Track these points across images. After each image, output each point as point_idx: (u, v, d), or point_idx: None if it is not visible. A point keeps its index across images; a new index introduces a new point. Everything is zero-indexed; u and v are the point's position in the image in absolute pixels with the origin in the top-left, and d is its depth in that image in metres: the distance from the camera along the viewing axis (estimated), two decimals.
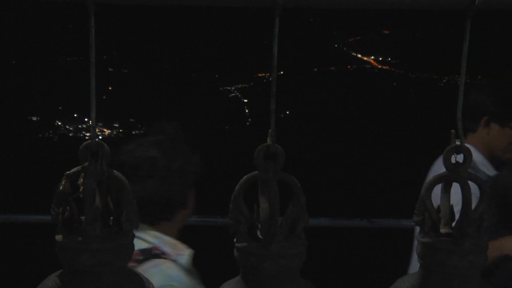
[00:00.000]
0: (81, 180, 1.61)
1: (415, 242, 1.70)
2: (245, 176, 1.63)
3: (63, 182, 1.63)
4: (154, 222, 3.66)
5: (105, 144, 1.59)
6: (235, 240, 1.67)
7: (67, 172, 1.62)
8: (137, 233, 2.43)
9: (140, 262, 3.44)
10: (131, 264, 1.90)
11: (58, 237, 1.63)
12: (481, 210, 1.67)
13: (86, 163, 1.59)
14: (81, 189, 1.61)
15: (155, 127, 3.81)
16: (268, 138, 1.61)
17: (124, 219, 1.64)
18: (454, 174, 1.64)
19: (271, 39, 1.61)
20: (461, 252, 1.64)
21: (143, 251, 3.51)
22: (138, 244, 3.02)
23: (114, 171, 1.62)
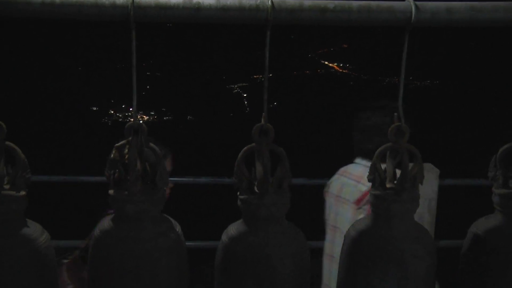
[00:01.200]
0: (126, 150, 1.60)
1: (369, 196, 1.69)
2: (245, 147, 1.62)
3: (114, 152, 1.62)
4: None
5: (143, 124, 1.59)
6: (238, 193, 1.66)
7: (116, 144, 1.61)
8: None
9: None
10: None
11: (111, 192, 1.62)
12: (415, 171, 1.66)
13: (130, 138, 1.59)
14: (126, 157, 1.60)
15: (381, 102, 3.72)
16: (262, 120, 1.60)
17: (158, 179, 1.63)
18: (396, 144, 1.63)
19: (263, 50, 1.61)
20: (400, 201, 1.64)
21: None
22: None
23: (150, 143, 1.61)
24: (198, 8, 1.57)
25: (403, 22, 1.61)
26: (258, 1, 1.57)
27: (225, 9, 1.58)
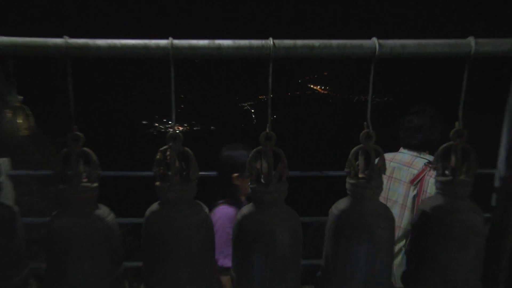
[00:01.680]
0: (168, 153, 1.59)
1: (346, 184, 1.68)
2: (254, 149, 1.61)
3: (159, 154, 1.61)
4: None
5: (180, 134, 1.58)
6: (249, 183, 1.65)
7: (161, 148, 1.60)
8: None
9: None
10: None
11: (157, 183, 1.62)
12: (380, 165, 1.64)
13: (171, 144, 1.58)
14: (168, 157, 1.60)
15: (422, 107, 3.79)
16: (267, 128, 1.59)
17: (191, 173, 1.62)
18: (366, 145, 1.62)
19: (267, 77, 1.60)
20: (369, 187, 1.63)
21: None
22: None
23: (185, 148, 1.61)
24: (219, 48, 1.57)
25: (369, 56, 1.60)
26: (263, 42, 1.57)
27: (239, 48, 1.58)
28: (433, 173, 3.21)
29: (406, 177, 3.65)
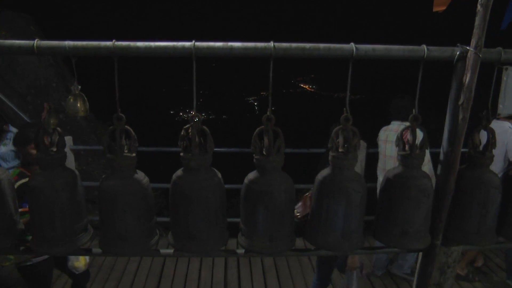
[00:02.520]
0: (190, 130, 1.58)
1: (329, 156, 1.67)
2: (258, 128, 1.60)
3: (183, 131, 1.60)
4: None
5: (199, 115, 1.56)
6: (254, 155, 1.64)
7: (185, 126, 1.59)
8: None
9: None
10: None
11: (182, 154, 1.61)
12: (355, 142, 1.64)
13: (192, 123, 1.57)
14: (190, 134, 1.58)
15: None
16: (268, 112, 1.57)
17: (208, 147, 1.62)
18: (345, 126, 1.61)
19: (268, 75, 1.59)
20: (347, 159, 1.62)
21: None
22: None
23: (203, 127, 1.59)
24: (231, 48, 1.55)
25: (348, 56, 1.58)
26: (266, 44, 1.56)
27: (246, 49, 1.56)
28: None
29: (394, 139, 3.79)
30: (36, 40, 1.52)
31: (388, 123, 4.15)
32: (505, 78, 1.70)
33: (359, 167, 3.82)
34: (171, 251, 1.83)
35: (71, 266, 3.57)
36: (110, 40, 1.55)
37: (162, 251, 1.89)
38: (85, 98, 1.63)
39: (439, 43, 1.67)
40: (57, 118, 1.63)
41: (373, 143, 4.26)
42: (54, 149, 1.63)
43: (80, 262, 3.52)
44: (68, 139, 3.67)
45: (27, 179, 2.21)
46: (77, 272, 3.66)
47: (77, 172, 1.71)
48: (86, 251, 1.86)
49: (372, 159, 4.30)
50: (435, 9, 1.86)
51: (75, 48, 1.54)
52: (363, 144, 3.78)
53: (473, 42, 1.58)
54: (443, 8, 1.83)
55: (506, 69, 1.68)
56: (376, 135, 4.26)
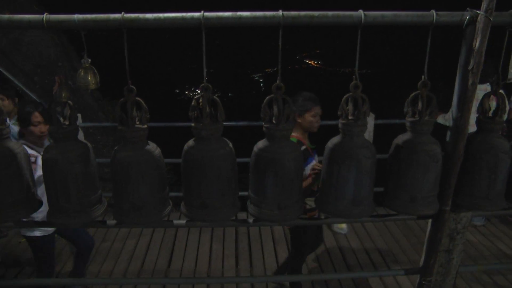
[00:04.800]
0: (201, 100, 1.59)
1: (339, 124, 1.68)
2: (267, 97, 1.61)
3: (194, 101, 1.61)
4: None
5: (209, 85, 1.57)
6: (263, 123, 1.66)
7: (196, 96, 1.60)
8: None
9: None
10: None
11: (193, 124, 1.62)
12: (365, 109, 1.64)
13: (203, 93, 1.58)
14: (201, 104, 1.60)
15: None
16: (277, 80, 1.58)
17: (219, 116, 1.63)
18: (355, 94, 1.62)
19: (273, 50, 1.59)
20: (357, 125, 1.63)
21: None
22: None
23: (214, 97, 1.60)
24: (240, 18, 1.55)
25: (357, 23, 1.58)
26: (274, 13, 1.55)
27: (255, 18, 1.56)
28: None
29: None
30: (45, 14, 1.53)
31: (392, 95, 4.07)
32: None
33: (368, 137, 3.83)
34: (183, 221, 1.87)
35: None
36: (119, 13, 1.55)
37: (176, 221, 1.93)
38: (96, 71, 1.64)
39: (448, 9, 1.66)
40: (69, 91, 1.65)
41: (380, 114, 4.25)
42: (67, 122, 1.65)
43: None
44: (79, 116, 3.72)
45: None
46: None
47: (89, 144, 1.73)
48: (101, 223, 1.90)
49: (381, 130, 4.30)
50: None
51: (85, 21, 1.55)
52: (371, 115, 3.79)
53: (484, 5, 1.57)
54: None
55: None
56: (383, 107, 4.24)
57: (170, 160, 4.15)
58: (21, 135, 3.08)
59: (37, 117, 2.93)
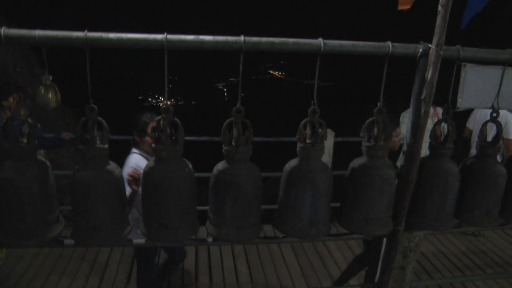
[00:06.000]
0: (162, 122, 1.61)
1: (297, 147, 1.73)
2: (227, 120, 1.64)
3: (155, 123, 1.63)
4: None
5: (171, 107, 1.59)
6: (223, 146, 1.68)
7: (156, 118, 1.62)
8: None
9: None
10: None
11: (153, 145, 1.64)
12: (322, 133, 1.70)
13: (163, 115, 1.59)
14: (161, 125, 1.61)
15: None
16: (237, 104, 1.61)
17: (179, 138, 1.65)
18: (312, 119, 1.67)
19: (238, 64, 1.62)
20: (314, 149, 1.68)
21: None
22: None
23: (175, 119, 1.62)
24: (202, 42, 1.58)
25: (316, 51, 1.63)
26: (236, 38, 1.59)
27: (217, 42, 1.59)
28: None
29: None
30: (3, 28, 1.48)
31: (355, 107, 4.23)
32: (463, 74, 1.79)
33: (327, 155, 3.93)
34: (143, 241, 1.87)
35: None
36: (82, 30, 1.53)
37: (135, 241, 1.92)
38: (57, 89, 1.63)
39: (403, 40, 1.74)
40: (28, 108, 1.63)
41: (341, 130, 4.35)
42: (25, 140, 1.63)
43: None
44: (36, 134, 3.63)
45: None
46: None
47: (48, 163, 1.71)
48: (59, 243, 1.87)
49: (340, 147, 4.41)
50: (399, 7, 1.94)
51: (46, 38, 1.51)
52: (331, 132, 3.88)
53: (435, 40, 1.66)
54: (408, 7, 1.91)
55: (465, 65, 1.77)
56: (344, 122, 4.36)
57: None
58: (136, 143, 3.07)
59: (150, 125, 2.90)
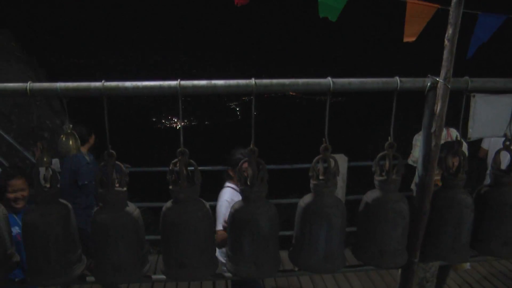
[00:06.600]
0: (178, 165, 1.66)
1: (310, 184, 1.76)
2: (242, 161, 1.71)
3: (171, 165, 1.68)
4: None
5: (186, 150, 1.64)
6: (239, 185, 1.73)
7: (172, 161, 1.67)
8: None
9: None
10: None
11: (170, 187, 1.69)
12: (335, 169, 1.73)
13: (180, 157, 1.64)
14: (178, 167, 1.66)
15: None
16: (251, 145, 1.66)
17: (195, 179, 1.69)
18: (324, 155, 1.70)
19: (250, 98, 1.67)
20: (327, 186, 1.71)
21: None
22: None
23: (191, 160, 1.67)
24: (215, 86, 1.64)
25: (326, 90, 1.68)
26: (247, 81, 1.64)
27: (229, 86, 1.65)
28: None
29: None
30: (29, 83, 1.60)
31: (372, 124, 4.21)
32: (473, 105, 1.81)
33: (341, 180, 3.93)
34: (163, 276, 1.91)
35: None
36: (100, 80, 1.61)
37: (154, 277, 1.96)
38: (77, 136, 1.70)
39: (411, 72, 1.77)
40: (50, 156, 1.69)
41: (354, 147, 4.34)
42: (48, 185, 1.70)
43: None
44: (55, 162, 3.72)
45: None
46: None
47: (70, 205, 1.77)
48: (81, 281, 1.92)
49: (354, 173, 4.34)
50: (405, 39, 1.98)
51: (66, 90, 1.61)
52: (343, 158, 3.89)
53: (442, 73, 1.69)
54: (413, 39, 1.95)
55: (474, 96, 1.79)
56: (358, 145, 4.35)
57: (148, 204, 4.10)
58: (229, 177, 3.18)
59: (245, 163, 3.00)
